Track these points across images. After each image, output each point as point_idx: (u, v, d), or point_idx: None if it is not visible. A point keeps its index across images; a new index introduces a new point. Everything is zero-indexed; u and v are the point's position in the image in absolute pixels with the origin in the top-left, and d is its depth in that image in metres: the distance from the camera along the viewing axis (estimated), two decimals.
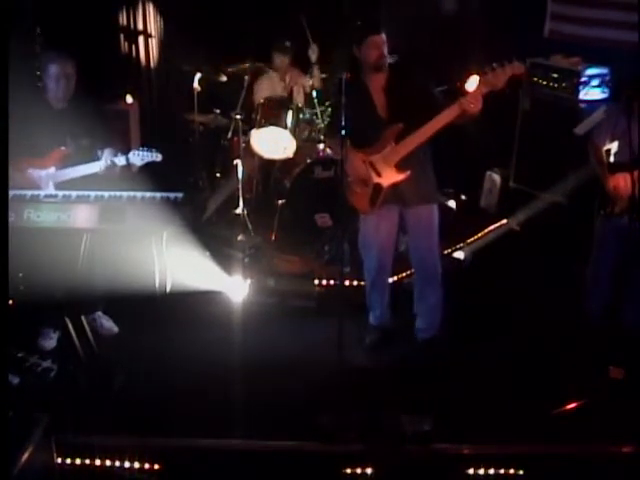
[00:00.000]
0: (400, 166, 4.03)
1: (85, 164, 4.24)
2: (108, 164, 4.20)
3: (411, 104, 3.94)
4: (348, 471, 3.45)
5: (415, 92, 4.01)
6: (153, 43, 7.21)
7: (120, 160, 4.22)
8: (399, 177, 4.05)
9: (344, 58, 6.10)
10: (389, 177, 4.06)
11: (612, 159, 4.24)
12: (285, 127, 5.66)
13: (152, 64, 7.24)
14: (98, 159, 4.26)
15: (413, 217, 4.23)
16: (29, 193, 3.95)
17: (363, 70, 4.12)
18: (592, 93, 5.90)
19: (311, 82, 6.22)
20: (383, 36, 4.04)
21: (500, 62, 3.96)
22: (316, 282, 5.07)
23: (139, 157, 4.24)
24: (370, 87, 4.11)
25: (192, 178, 6.20)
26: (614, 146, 4.21)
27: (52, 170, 4.24)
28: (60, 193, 4.01)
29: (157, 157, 4.28)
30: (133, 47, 7.12)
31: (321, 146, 5.79)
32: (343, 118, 3.68)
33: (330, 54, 6.32)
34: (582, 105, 5.85)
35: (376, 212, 4.20)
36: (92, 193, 3.96)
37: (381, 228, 4.27)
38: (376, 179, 4.07)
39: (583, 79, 5.87)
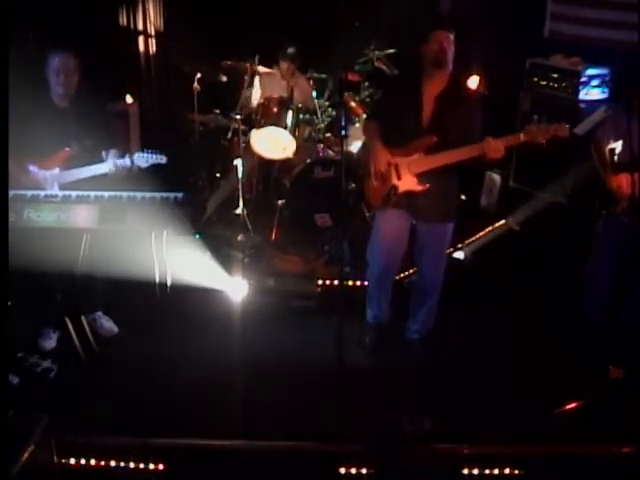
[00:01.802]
0: (421, 177, 3.98)
1: (90, 165, 4.23)
2: (117, 167, 4.20)
3: (458, 124, 3.90)
4: (348, 471, 3.46)
5: (467, 115, 3.95)
6: (153, 43, 7.22)
7: (125, 162, 4.22)
8: (416, 187, 3.99)
9: (342, 58, 6.14)
10: (407, 183, 4.01)
11: (616, 158, 4.24)
12: (285, 127, 5.66)
13: (152, 64, 7.25)
14: (103, 160, 4.26)
15: (424, 230, 4.19)
16: (29, 193, 3.95)
17: (424, 67, 3.96)
18: (592, 93, 5.91)
19: (312, 82, 6.23)
20: (449, 33, 3.87)
21: (548, 120, 3.87)
22: (316, 282, 5.07)
23: (144, 159, 4.24)
24: (424, 89, 3.97)
25: (192, 178, 6.20)
26: (618, 145, 4.21)
27: (56, 171, 4.24)
28: (60, 193, 4.01)
29: (162, 159, 4.28)
30: (133, 47, 7.13)
31: (321, 146, 5.79)
32: (343, 119, 3.67)
33: (329, 55, 6.32)
34: (582, 105, 5.86)
35: (386, 215, 4.16)
36: (92, 193, 3.96)
37: (391, 233, 4.21)
38: (395, 180, 4.02)
39: (583, 79, 5.88)
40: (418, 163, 3.97)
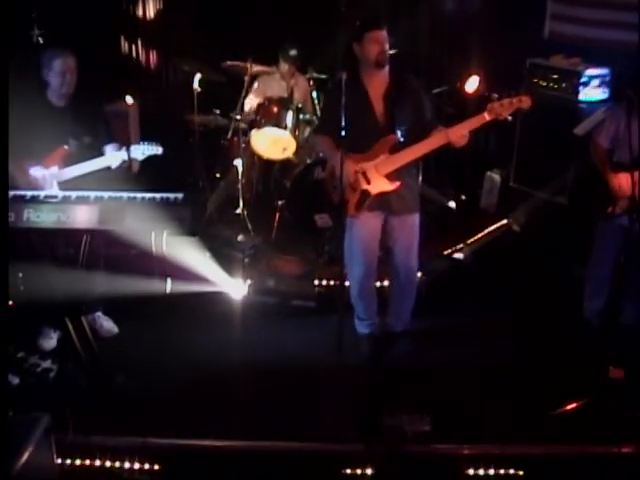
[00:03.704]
0: (391, 176, 3.99)
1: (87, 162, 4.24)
2: (115, 160, 4.22)
3: (412, 115, 3.92)
4: (348, 471, 3.46)
5: (417, 103, 3.99)
6: (153, 43, 7.21)
7: (122, 154, 4.23)
8: (389, 187, 4.00)
9: (342, 57, 6.13)
10: (378, 186, 4.01)
11: (615, 159, 4.24)
12: (285, 127, 5.65)
13: (152, 64, 7.25)
14: (101, 155, 4.27)
15: (398, 224, 4.18)
16: (29, 193, 3.95)
17: (362, 68, 4.00)
18: (592, 93, 5.90)
19: (312, 82, 6.22)
20: (384, 31, 3.91)
21: (509, 93, 3.87)
22: (316, 282, 5.07)
23: (140, 151, 4.25)
24: (369, 89, 4.00)
25: (192, 178, 6.20)
26: (618, 146, 4.21)
27: (55, 169, 4.25)
28: (60, 193, 4.01)
29: (158, 150, 4.29)
30: (133, 47, 7.13)
31: None
32: (343, 118, 3.65)
33: (328, 54, 6.32)
34: (582, 105, 5.85)
35: (361, 219, 4.13)
36: (92, 193, 3.95)
37: (367, 235, 4.20)
38: (364, 186, 4.01)
39: (583, 79, 5.87)
40: (386, 164, 3.97)
